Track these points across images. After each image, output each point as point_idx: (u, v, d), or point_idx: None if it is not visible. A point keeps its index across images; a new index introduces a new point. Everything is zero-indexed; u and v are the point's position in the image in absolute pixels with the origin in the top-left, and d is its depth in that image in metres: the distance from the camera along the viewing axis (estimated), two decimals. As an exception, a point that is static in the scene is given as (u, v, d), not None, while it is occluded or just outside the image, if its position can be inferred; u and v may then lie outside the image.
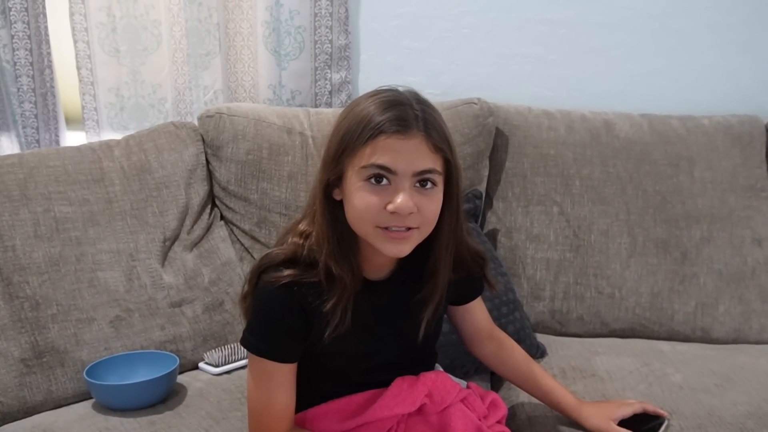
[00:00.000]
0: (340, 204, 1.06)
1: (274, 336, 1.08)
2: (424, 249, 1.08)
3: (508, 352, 1.31)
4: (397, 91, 1.05)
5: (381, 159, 0.99)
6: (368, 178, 1.01)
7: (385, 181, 1.00)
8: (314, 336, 1.08)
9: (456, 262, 1.13)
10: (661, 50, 1.98)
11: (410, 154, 1.00)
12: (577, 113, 1.84)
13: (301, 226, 1.10)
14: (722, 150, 1.81)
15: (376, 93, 1.05)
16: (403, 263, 1.13)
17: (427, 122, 1.02)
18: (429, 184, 1.02)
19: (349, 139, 1.01)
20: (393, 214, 1.00)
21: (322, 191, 1.05)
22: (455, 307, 1.27)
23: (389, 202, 1.00)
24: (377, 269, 1.13)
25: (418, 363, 1.21)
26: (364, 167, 1.00)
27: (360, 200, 1.01)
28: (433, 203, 1.03)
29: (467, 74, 1.98)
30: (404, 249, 1.04)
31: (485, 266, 1.21)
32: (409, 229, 1.02)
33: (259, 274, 1.08)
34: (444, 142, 1.03)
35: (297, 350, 1.10)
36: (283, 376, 1.09)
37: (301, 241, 1.08)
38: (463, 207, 1.13)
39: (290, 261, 1.07)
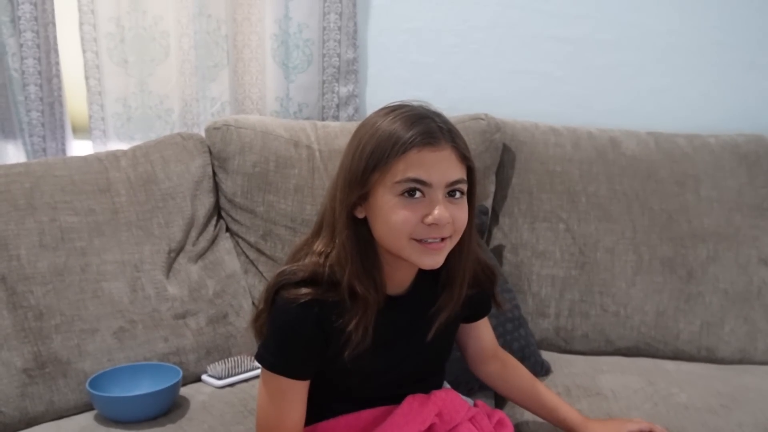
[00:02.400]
0: (362, 222, 1.06)
1: (291, 353, 1.07)
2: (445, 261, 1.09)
3: (512, 371, 1.31)
4: (413, 106, 1.06)
5: (415, 173, 1.00)
6: (402, 193, 1.01)
7: (418, 194, 1.01)
8: (331, 354, 1.07)
9: (471, 275, 1.14)
10: (668, 68, 1.98)
11: (442, 166, 1.01)
12: (583, 130, 1.85)
13: (319, 246, 1.09)
14: (728, 169, 1.81)
15: (392, 110, 1.05)
16: (422, 278, 1.13)
17: (452, 133, 1.04)
18: (458, 194, 1.04)
19: (378, 157, 1.01)
20: (431, 226, 1.01)
21: (345, 210, 1.05)
22: (463, 326, 1.26)
23: (426, 215, 1.01)
24: (398, 285, 1.13)
25: (428, 379, 1.21)
26: (398, 182, 1.01)
27: (396, 215, 1.01)
28: (463, 212, 1.05)
29: (474, 90, 1.98)
30: (439, 260, 1.05)
31: (495, 282, 1.21)
32: (443, 239, 1.03)
33: (276, 291, 1.07)
34: (468, 151, 1.06)
35: (312, 368, 1.10)
36: (297, 392, 1.09)
37: (321, 261, 1.07)
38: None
39: (310, 280, 1.06)
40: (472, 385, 1.49)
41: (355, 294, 1.05)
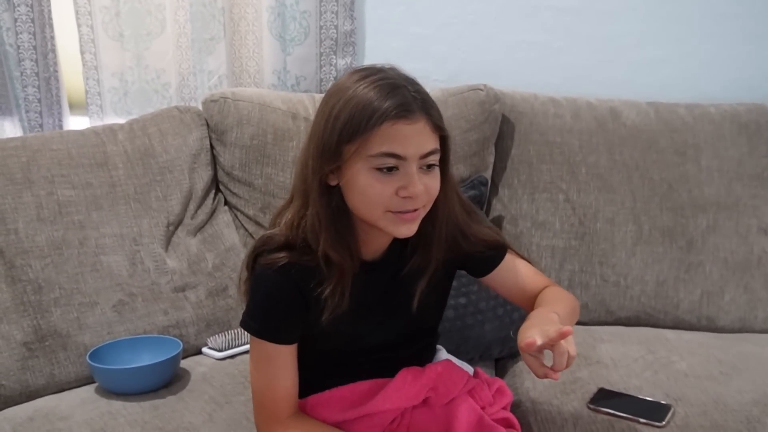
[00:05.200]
0: (334, 189, 1.05)
1: (272, 318, 1.09)
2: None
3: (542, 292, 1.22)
4: (384, 71, 1.04)
5: (390, 147, 1.00)
6: (378, 167, 1.01)
7: (393, 168, 1.01)
8: (311, 318, 1.08)
9: (451, 239, 1.13)
10: (668, 38, 1.96)
11: (416, 138, 1.01)
12: (583, 101, 1.83)
13: (292, 210, 1.09)
14: (729, 138, 1.80)
15: (365, 76, 1.03)
16: (395, 242, 1.13)
17: (425, 103, 1.03)
18: (432, 165, 1.04)
19: (353, 128, 1.00)
20: (405, 198, 1.01)
21: (317, 179, 1.04)
22: (487, 279, 1.23)
23: (400, 187, 1.01)
24: (373, 250, 1.13)
25: (417, 343, 1.21)
26: (372, 156, 1.00)
27: (372, 188, 1.01)
28: (436, 181, 1.06)
29: (473, 61, 1.96)
30: (414, 228, 1.06)
31: (496, 245, 1.20)
32: (416, 209, 1.04)
33: (255, 257, 1.08)
34: (441, 120, 1.05)
35: (295, 331, 1.10)
36: (284, 358, 1.10)
37: (295, 225, 1.07)
38: (455, 183, 1.13)
39: (286, 245, 1.07)
40: (472, 354, 1.50)
41: (330, 261, 1.05)
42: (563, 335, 0.95)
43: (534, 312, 1.08)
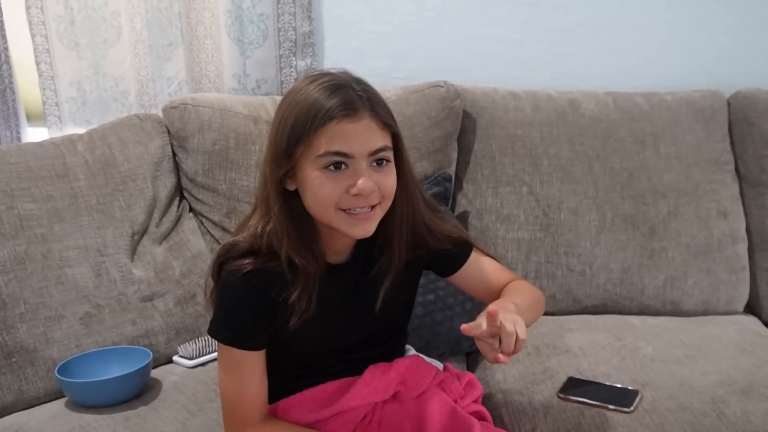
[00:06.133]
0: (294, 194, 1.07)
1: (240, 324, 1.09)
2: (381, 226, 1.09)
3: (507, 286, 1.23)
4: (333, 74, 1.06)
5: (335, 146, 1.01)
6: (326, 166, 1.02)
7: (342, 166, 1.02)
8: (279, 323, 1.08)
9: (414, 237, 1.14)
10: (623, 28, 1.99)
11: (362, 136, 1.02)
12: (542, 93, 1.85)
13: (256, 217, 1.10)
14: (686, 125, 1.83)
15: (313, 80, 1.05)
16: (362, 243, 1.13)
17: (371, 101, 1.04)
18: (384, 162, 1.05)
19: (300, 130, 1.02)
20: (356, 196, 1.02)
21: (275, 185, 1.05)
22: (454, 277, 1.25)
23: (350, 185, 1.02)
24: (338, 253, 1.14)
25: (386, 343, 1.22)
26: (320, 156, 1.01)
27: (320, 188, 1.02)
28: (390, 178, 1.06)
29: (432, 57, 1.97)
30: (370, 228, 1.06)
31: (461, 243, 1.21)
32: (372, 207, 1.04)
33: (220, 265, 1.09)
34: (390, 117, 1.06)
35: (263, 337, 1.10)
36: (252, 363, 1.10)
37: (259, 231, 1.08)
38: (416, 181, 1.14)
39: (250, 251, 1.07)
40: (443, 350, 1.51)
41: (294, 266, 1.06)
42: (491, 315, 0.96)
43: (492, 302, 1.09)
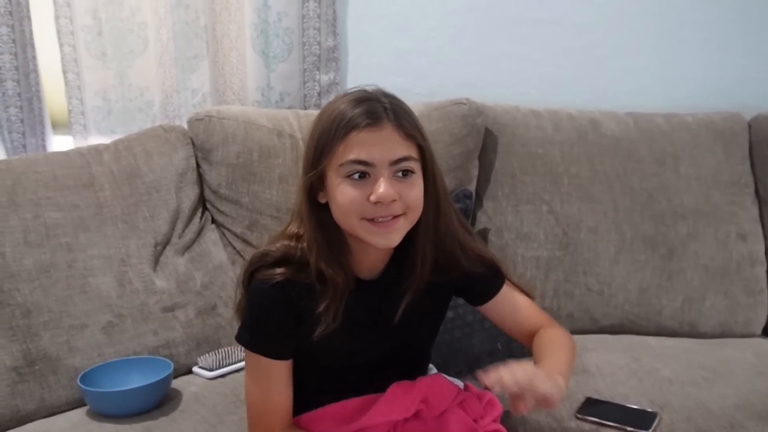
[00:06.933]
0: (325, 206, 1.08)
1: (267, 332, 1.10)
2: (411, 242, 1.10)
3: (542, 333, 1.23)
4: (364, 89, 1.08)
5: (356, 154, 1.02)
6: (348, 175, 1.03)
7: (366, 176, 1.03)
8: (304, 334, 1.09)
9: (445, 256, 1.14)
10: (645, 48, 2.00)
11: (383, 145, 1.03)
12: (563, 112, 1.86)
13: (291, 229, 1.12)
14: (706, 146, 1.84)
15: (345, 94, 1.08)
16: (393, 262, 1.14)
17: (396, 112, 1.05)
18: (409, 173, 1.05)
19: (324, 141, 1.04)
20: (377, 204, 1.03)
21: (305, 196, 1.08)
22: (484, 307, 1.25)
23: (371, 193, 1.02)
24: (369, 269, 1.14)
25: (409, 363, 1.22)
26: (342, 165, 1.03)
27: (342, 196, 1.04)
28: (414, 190, 1.06)
29: (454, 74, 1.99)
30: (394, 238, 1.06)
31: (494, 269, 1.21)
32: (395, 217, 1.04)
33: (251, 273, 1.10)
34: (415, 129, 1.06)
35: (289, 347, 1.12)
36: (278, 373, 1.11)
37: (293, 243, 1.10)
38: (448, 198, 1.14)
39: (282, 261, 1.09)
40: (461, 367, 1.52)
41: (323, 277, 1.07)
42: (547, 404, 1.02)
43: (541, 368, 1.09)
